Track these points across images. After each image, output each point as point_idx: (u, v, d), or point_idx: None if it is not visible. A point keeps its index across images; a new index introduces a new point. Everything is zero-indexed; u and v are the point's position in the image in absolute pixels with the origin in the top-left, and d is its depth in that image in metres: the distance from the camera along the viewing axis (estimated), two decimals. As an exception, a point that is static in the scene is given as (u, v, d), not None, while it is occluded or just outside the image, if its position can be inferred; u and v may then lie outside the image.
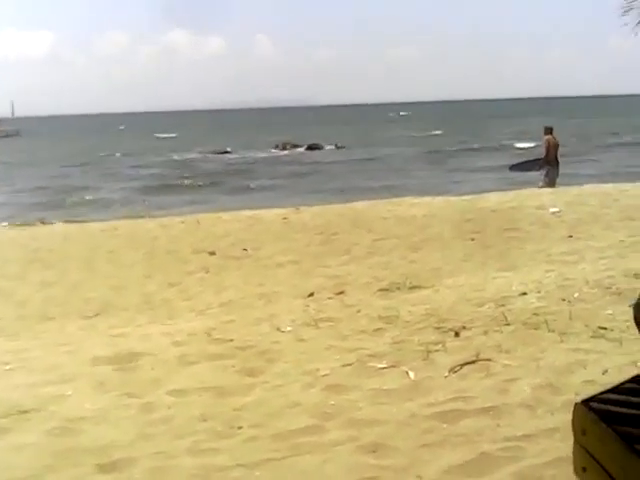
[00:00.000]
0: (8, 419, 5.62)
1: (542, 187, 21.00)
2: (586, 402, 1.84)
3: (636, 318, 3.10)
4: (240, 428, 5.18)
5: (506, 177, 28.38)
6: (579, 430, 1.82)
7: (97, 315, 10.42)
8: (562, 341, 6.55)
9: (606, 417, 1.75)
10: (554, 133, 22.62)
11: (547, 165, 21.88)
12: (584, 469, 1.82)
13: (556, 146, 22.11)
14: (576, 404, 1.84)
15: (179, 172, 50.56)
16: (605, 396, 1.87)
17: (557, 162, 22.14)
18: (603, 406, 1.82)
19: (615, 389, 1.92)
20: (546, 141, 22.25)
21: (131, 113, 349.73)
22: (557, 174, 22.03)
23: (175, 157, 64.81)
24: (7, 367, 7.17)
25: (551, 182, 21.57)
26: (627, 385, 1.94)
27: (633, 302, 3.10)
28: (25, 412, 5.74)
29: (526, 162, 23.68)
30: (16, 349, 8.03)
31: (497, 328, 7.04)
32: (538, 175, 22.12)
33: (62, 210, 31.20)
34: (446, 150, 59.86)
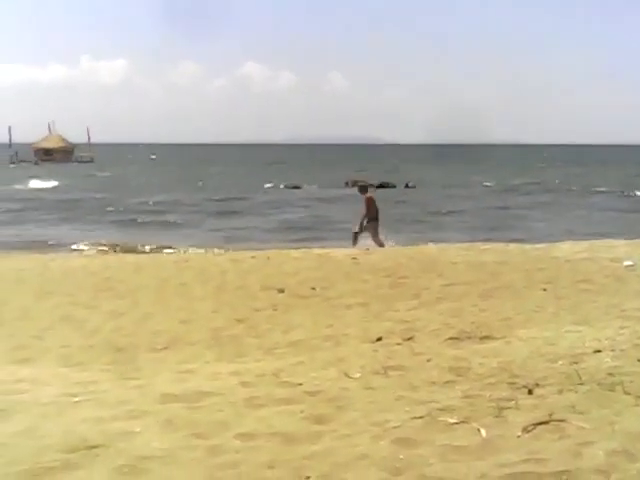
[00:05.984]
0: (76, 454, 5.64)
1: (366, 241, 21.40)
2: None
3: None
4: (308, 478, 5.12)
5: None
6: None
7: (166, 349, 10.44)
8: (638, 404, 6.39)
9: None
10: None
11: (371, 221, 22.02)
12: None
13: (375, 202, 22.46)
14: None
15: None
16: None
17: (377, 218, 22.30)
18: None
19: None
20: (367, 199, 22.22)
21: (202, 144, 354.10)
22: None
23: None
24: (75, 399, 7.22)
25: (376, 238, 21.88)
26: None
27: None
28: (93, 447, 5.76)
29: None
30: (84, 381, 8.10)
31: (571, 387, 6.89)
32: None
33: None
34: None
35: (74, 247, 27.46)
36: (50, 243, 29.60)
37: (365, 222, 22.11)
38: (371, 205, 22.15)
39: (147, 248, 26.89)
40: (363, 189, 22.96)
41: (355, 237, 22.14)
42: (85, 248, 26.94)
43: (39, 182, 74.80)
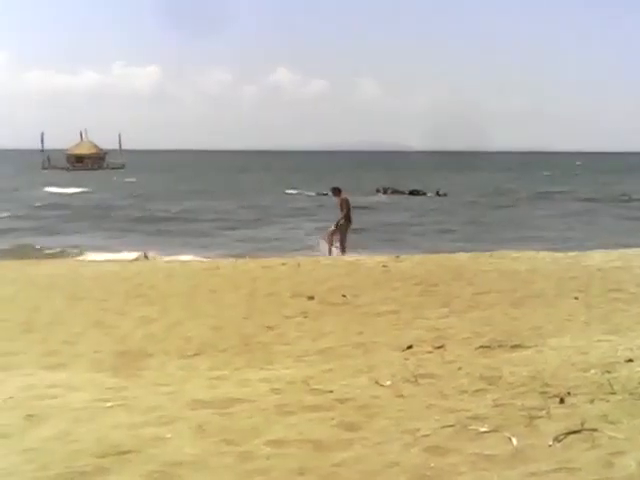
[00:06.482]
0: (107, 459, 5.69)
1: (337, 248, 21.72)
2: None
3: None
4: (338, 485, 5.13)
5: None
6: None
7: (196, 355, 10.47)
8: (670, 415, 6.34)
9: None
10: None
11: (345, 223, 22.25)
12: None
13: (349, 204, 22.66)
14: None
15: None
16: None
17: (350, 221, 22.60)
18: None
19: None
20: (342, 201, 22.45)
21: (234, 151, 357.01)
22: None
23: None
24: (108, 404, 7.28)
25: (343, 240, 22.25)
26: None
27: None
28: (125, 453, 5.80)
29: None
30: (116, 386, 8.15)
31: (603, 397, 6.85)
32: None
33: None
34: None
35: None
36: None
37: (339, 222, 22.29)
38: (345, 205, 22.34)
39: (168, 258, 26.64)
40: (336, 191, 23.17)
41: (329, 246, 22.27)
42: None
43: (62, 188, 75.64)
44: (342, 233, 22.24)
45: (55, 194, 70.28)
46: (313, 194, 70.47)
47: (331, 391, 7.51)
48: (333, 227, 22.33)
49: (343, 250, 22.00)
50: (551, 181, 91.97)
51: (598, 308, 12.40)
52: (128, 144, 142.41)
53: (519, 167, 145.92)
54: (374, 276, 16.44)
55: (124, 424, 6.54)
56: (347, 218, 22.42)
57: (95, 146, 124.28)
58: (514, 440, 5.83)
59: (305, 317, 12.82)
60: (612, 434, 5.88)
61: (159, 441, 6.07)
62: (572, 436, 5.86)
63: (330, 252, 21.98)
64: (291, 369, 8.95)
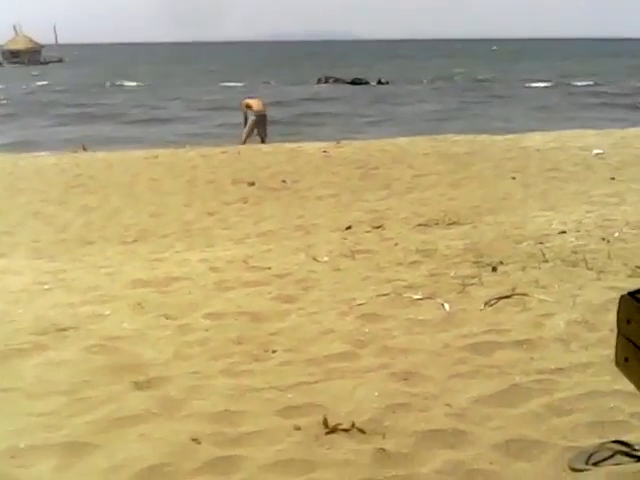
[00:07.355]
0: (46, 336, 5.71)
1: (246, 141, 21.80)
2: (632, 294, 1.87)
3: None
4: (274, 352, 5.23)
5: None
6: (624, 320, 1.86)
7: (136, 241, 10.50)
8: (600, 279, 6.51)
9: None
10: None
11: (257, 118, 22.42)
12: (626, 359, 1.86)
13: (259, 104, 22.83)
14: (622, 296, 1.89)
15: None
16: None
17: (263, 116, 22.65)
18: None
19: None
20: (241, 106, 22.85)
21: (177, 43, 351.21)
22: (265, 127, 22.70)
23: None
24: (45, 287, 7.29)
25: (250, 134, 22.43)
26: None
27: None
28: (63, 330, 5.83)
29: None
30: (55, 270, 8.16)
31: (535, 264, 7.01)
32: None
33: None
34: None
35: None
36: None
37: (252, 120, 22.27)
38: (252, 105, 22.26)
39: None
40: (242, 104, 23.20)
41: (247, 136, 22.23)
42: None
43: None
44: (259, 128, 22.12)
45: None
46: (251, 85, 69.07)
47: (269, 268, 7.60)
48: (247, 129, 22.14)
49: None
50: (488, 66, 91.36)
51: (535, 187, 12.59)
52: (69, 38, 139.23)
53: (461, 53, 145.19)
54: (314, 162, 16.46)
55: (63, 304, 6.56)
56: (259, 115, 22.25)
57: (31, 40, 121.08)
58: (446, 306, 5.97)
59: (245, 203, 12.89)
60: (542, 297, 6.03)
61: (98, 318, 6.10)
62: (503, 301, 6.01)
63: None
64: (231, 250, 9.01)
